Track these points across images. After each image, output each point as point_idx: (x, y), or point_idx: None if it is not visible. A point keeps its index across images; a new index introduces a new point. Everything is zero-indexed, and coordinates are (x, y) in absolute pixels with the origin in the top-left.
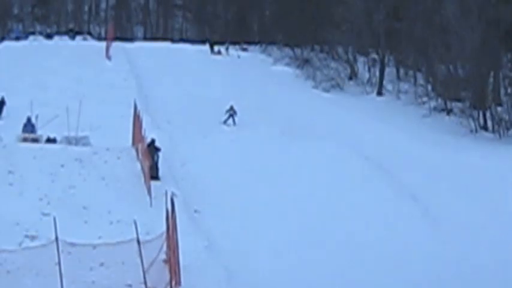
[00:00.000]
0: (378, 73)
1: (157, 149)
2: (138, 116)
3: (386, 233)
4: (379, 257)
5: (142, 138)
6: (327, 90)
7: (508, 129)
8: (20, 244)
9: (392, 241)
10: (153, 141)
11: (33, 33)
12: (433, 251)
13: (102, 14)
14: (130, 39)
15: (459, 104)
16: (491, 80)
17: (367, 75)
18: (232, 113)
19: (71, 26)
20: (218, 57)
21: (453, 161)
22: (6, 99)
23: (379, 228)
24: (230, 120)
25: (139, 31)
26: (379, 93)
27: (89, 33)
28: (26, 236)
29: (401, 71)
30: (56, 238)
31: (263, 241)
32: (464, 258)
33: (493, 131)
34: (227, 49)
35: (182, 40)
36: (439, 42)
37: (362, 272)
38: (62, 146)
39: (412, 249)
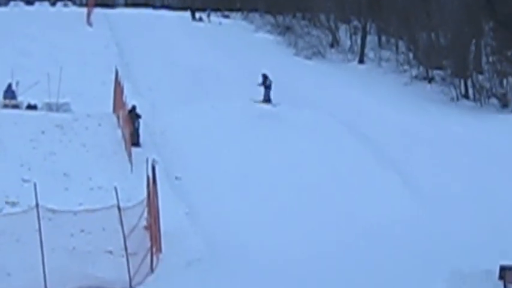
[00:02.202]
0: (359, 41)
1: (138, 116)
2: (119, 83)
3: (367, 202)
4: (360, 225)
5: (123, 105)
6: (308, 58)
7: (489, 97)
8: (0, 210)
9: (372, 209)
10: (134, 107)
11: None
12: (413, 219)
13: None
14: (112, 5)
15: (440, 72)
16: (472, 48)
17: (348, 43)
18: (269, 83)
19: None
20: (199, 24)
21: (434, 128)
22: None
23: (360, 197)
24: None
25: None
26: (361, 61)
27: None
28: (6, 203)
29: (383, 38)
30: (37, 204)
31: (244, 207)
32: (444, 225)
33: (474, 99)
34: (208, 16)
35: (163, 7)
36: (420, 9)
37: (343, 240)
38: (43, 113)
39: (392, 217)
